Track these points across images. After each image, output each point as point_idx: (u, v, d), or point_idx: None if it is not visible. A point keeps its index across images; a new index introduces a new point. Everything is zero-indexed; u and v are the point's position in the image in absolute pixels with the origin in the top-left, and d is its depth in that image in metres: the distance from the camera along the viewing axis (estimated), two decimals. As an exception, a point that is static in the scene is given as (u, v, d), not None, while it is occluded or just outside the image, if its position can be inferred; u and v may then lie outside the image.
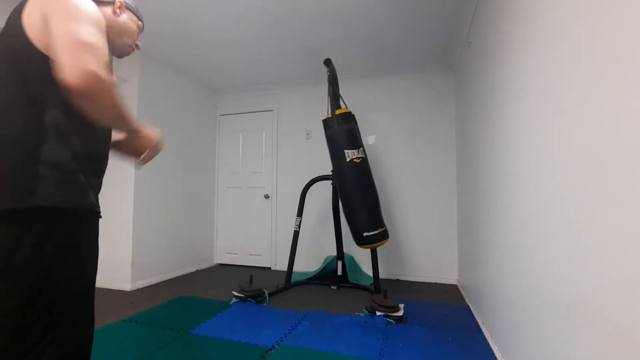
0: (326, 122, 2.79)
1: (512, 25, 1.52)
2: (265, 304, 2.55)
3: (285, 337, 1.95)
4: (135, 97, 3.08)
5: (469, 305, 2.54)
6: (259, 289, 2.64)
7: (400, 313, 2.22)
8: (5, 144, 0.75)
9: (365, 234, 2.57)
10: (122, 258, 3.01)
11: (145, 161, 1.00)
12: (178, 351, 1.76)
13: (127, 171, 3.06)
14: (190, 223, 3.79)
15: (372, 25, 2.62)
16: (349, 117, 2.75)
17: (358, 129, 2.80)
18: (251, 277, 2.68)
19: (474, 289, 2.40)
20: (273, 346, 1.82)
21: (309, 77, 3.73)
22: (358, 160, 2.57)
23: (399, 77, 3.57)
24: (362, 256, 3.53)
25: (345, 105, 2.99)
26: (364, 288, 2.98)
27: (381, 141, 3.60)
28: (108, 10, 0.95)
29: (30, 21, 0.76)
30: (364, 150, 2.72)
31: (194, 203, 3.85)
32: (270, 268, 3.94)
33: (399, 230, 3.48)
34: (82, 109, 0.75)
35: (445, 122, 3.42)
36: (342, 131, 2.67)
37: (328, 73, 2.76)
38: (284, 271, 3.65)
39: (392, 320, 2.17)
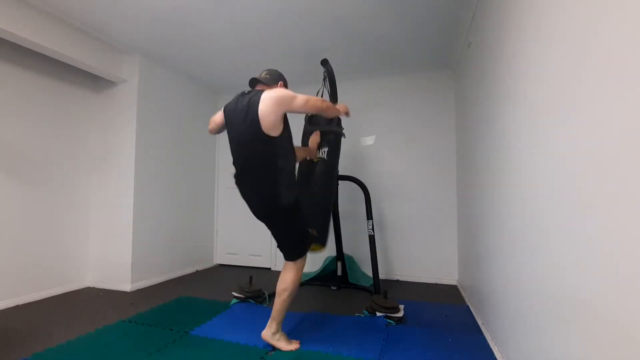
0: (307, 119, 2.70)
1: (512, 25, 1.52)
2: (265, 305, 2.55)
3: (286, 337, 1.94)
4: (135, 97, 3.08)
5: (469, 305, 2.54)
6: (258, 289, 2.64)
7: (401, 314, 2.21)
8: (269, 183, 1.71)
9: None
10: (122, 259, 3.01)
11: (348, 114, 2.14)
12: (178, 352, 1.76)
13: (127, 171, 3.06)
14: (190, 223, 3.79)
15: (372, 26, 2.62)
16: (318, 120, 2.63)
17: (332, 132, 2.62)
18: (251, 278, 2.68)
19: (474, 289, 2.40)
20: (273, 347, 1.82)
21: (309, 78, 3.72)
22: (317, 160, 2.52)
23: (398, 77, 3.57)
24: (362, 257, 3.53)
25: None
26: (364, 289, 2.98)
27: (381, 141, 3.60)
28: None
29: (262, 109, 1.65)
30: (328, 153, 2.58)
31: (194, 203, 3.85)
32: (270, 268, 3.94)
33: (399, 231, 3.48)
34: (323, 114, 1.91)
35: (445, 122, 3.42)
36: (307, 132, 2.62)
37: (325, 74, 2.75)
38: (284, 271, 3.64)
39: (392, 321, 2.16)
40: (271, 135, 1.63)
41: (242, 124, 1.67)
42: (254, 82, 1.81)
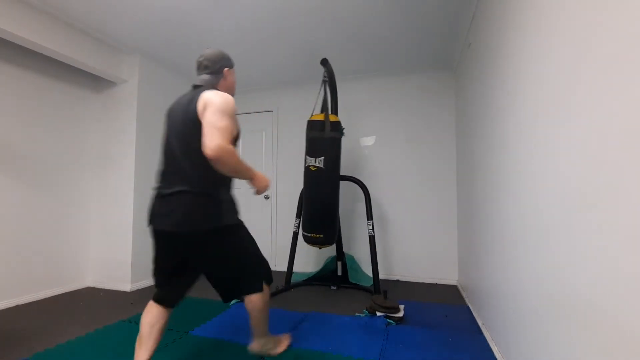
0: (308, 124, 2.74)
1: (512, 25, 1.52)
2: (265, 305, 2.55)
3: (286, 337, 1.94)
4: (135, 97, 3.08)
5: (469, 306, 2.54)
6: (259, 289, 2.64)
7: (401, 314, 2.21)
8: (201, 190, 1.34)
9: (302, 232, 2.76)
10: (122, 259, 3.01)
11: (259, 193, 1.51)
12: (178, 352, 1.76)
13: (127, 171, 3.06)
14: (190, 223, 3.79)
15: (373, 26, 2.62)
16: (319, 125, 2.68)
17: (328, 139, 2.67)
18: (251, 278, 2.68)
19: (474, 289, 2.40)
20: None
21: (309, 78, 3.73)
22: (313, 169, 2.67)
23: (399, 78, 3.57)
24: (362, 257, 3.53)
25: (335, 109, 2.96)
26: (364, 289, 2.98)
27: (381, 141, 3.60)
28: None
29: (200, 111, 1.30)
30: (325, 161, 2.65)
31: (194, 203, 3.84)
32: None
33: (399, 231, 3.48)
34: (216, 168, 1.25)
35: (445, 122, 3.42)
36: (311, 137, 2.70)
37: (325, 73, 2.75)
38: (284, 272, 3.65)
39: (392, 321, 2.17)
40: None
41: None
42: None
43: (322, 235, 2.66)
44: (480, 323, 2.14)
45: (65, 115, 2.98)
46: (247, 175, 1.38)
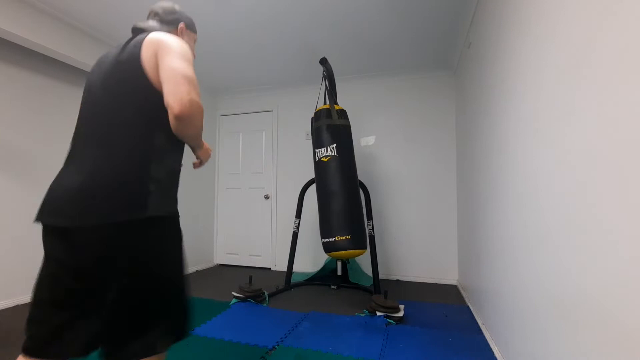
0: (314, 116, 2.65)
1: (512, 25, 1.52)
2: (265, 304, 2.55)
3: (286, 337, 1.95)
4: (136, 97, 3.07)
5: (469, 305, 2.54)
6: (258, 289, 2.64)
7: (401, 314, 2.22)
8: (125, 159, 0.88)
9: (322, 240, 2.30)
10: (122, 258, 3.00)
11: (200, 166, 1.20)
12: (178, 352, 1.76)
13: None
14: (190, 223, 3.79)
15: (372, 26, 2.63)
16: (325, 113, 2.50)
17: (336, 125, 2.44)
18: (250, 278, 2.68)
19: (474, 289, 2.40)
20: (273, 347, 1.82)
21: (309, 78, 3.73)
22: (325, 160, 2.31)
23: (399, 78, 3.57)
24: (362, 256, 3.53)
25: (335, 103, 2.88)
26: (364, 288, 2.98)
27: (381, 141, 3.60)
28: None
29: (146, 57, 0.92)
30: (338, 148, 2.35)
31: (194, 203, 3.85)
32: (270, 268, 3.94)
33: (399, 231, 3.48)
34: (177, 130, 0.91)
35: (445, 122, 3.42)
36: (317, 127, 2.47)
37: (324, 72, 2.75)
38: (284, 271, 3.65)
39: (392, 321, 2.17)
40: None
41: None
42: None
43: (349, 237, 2.20)
44: (480, 323, 2.14)
45: (65, 115, 2.97)
46: (199, 142, 1.04)
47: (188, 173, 3.74)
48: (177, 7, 1.20)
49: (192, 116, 0.89)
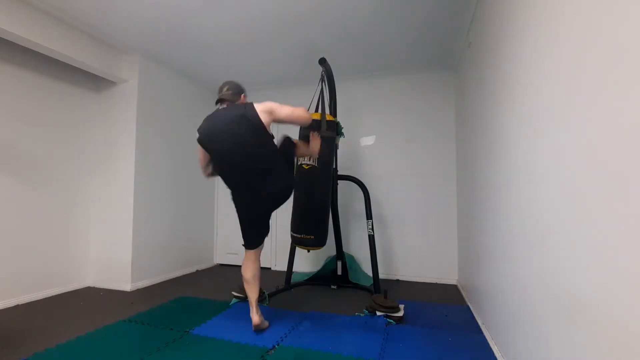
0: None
1: (512, 25, 1.52)
2: (265, 304, 2.55)
3: (286, 337, 1.95)
4: (135, 97, 3.08)
5: (469, 305, 2.54)
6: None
7: (401, 313, 2.22)
8: (280, 172, 2.00)
9: (291, 232, 2.68)
10: (122, 258, 3.01)
11: (316, 148, 2.29)
12: (178, 352, 1.76)
13: (127, 171, 3.06)
14: (190, 223, 3.79)
15: (372, 26, 2.63)
16: (315, 124, 2.60)
17: (323, 138, 2.58)
18: (251, 278, 2.68)
19: (474, 289, 2.40)
20: (273, 346, 1.82)
21: (309, 78, 3.72)
22: (306, 167, 2.60)
23: (398, 78, 3.57)
24: (362, 256, 3.53)
25: (334, 108, 2.92)
26: (364, 288, 2.98)
27: (381, 141, 3.60)
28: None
29: (262, 115, 1.89)
30: (319, 160, 2.62)
31: (194, 203, 3.85)
32: (270, 268, 3.94)
33: (399, 231, 3.48)
34: (302, 124, 2.11)
35: (445, 122, 3.42)
36: (304, 136, 2.61)
37: (323, 72, 2.74)
38: (284, 271, 3.65)
39: (392, 321, 2.17)
40: (268, 132, 1.91)
41: (237, 130, 1.86)
42: (220, 100, 2.02)
43: (313, 237, 2.56)
44: (480, 323, 2.14)
45: (65, 115, 2.98)
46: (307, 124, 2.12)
47: (188, 172, 3.74)
48: (238, 83, 2.11)
49: (302, 118, 2.01)
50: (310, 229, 2.57)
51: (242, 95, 2.06)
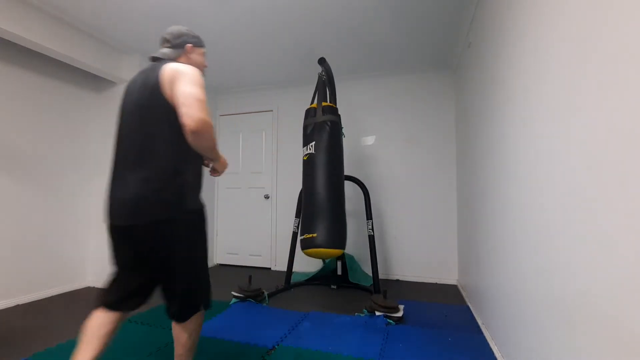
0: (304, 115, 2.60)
1: (512, 25, 1.52)
2: (265, 304, 2.55)
3: (286, 337, 1.95)
4: (135, 97, 3.07)
5: (469, 305, 2.54)
6: (258, 289, 2.64)
7: (400, 313, 2.22)
8: (165, 170, 1.14)
9: (299, 238, 2.33)
10: (122, 258, 3.00)
11: (217, 175, 1.42)
12: (178, 351, 1.76)
13: (127, 171, 3.05)
14: (190, 223, 3.78)
15: (372, 26, 2.63)
16: (312, 112, 2.47)
17: (318, 123, 2.40)
18: (250, 277, 2.68)
19: (474, 289, 2.40)
20: (273, 346, 1.82)
21: (309, 78, 3.73)
22: (306, 158, 2.30)
23: (398, 77, 3.57)
24: (362, 256, 3.53)
25: (327, 101, 2.78)
26: (364, 288, 2.98)
27: (381, 141, 3.60)
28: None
29: (166, 85, 1.15)
30: (315, 146, 2.32)
31: (193, 203, 3.84)
32: (270, 268, 3.94)
33: (398, 231, 3.48)
34: (193, 144, 1.12)
35: (445, 122, 3.42)
36: (304, 127, 2.44)
37: (323, 72, 2.73)
38: (284, 271, 3.65)
39: (392, 321, 2.17)
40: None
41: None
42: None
43: (315, 235, 2.19)
44: (480, 323, 2.14)
45: (65, 115, 2.98)
46: (216, 154, 1.24)
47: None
48: (183, 29, 1.38)
49: (203, 131, 1.10)
50: (312, 225, 2.22)
51: (188, 45, 1.38)
